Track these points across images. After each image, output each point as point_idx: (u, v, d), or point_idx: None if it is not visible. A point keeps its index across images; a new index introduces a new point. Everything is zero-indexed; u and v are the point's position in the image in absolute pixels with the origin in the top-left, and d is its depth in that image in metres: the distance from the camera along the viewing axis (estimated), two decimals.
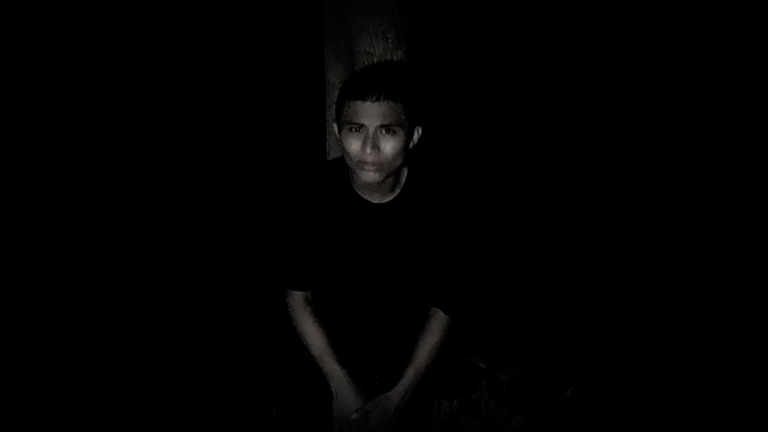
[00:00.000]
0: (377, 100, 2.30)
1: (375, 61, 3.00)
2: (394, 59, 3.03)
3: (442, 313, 2.53)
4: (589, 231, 4.03)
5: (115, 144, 4.12)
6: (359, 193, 2.47)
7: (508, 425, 2.34)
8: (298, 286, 2.58)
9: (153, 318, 3.44)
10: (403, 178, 2.48)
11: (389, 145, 2.32)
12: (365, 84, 2.34)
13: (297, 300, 2.58)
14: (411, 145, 2.41)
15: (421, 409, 2.42)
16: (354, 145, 2.33)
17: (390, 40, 3.01)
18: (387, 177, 2.39)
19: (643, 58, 4.24)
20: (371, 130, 2.31)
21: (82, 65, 4.05)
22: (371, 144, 2.30)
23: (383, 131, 2.31)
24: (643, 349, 3.36)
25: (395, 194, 2.46)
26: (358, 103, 2.31)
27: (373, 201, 2.46)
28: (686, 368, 3.23)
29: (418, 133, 2.43)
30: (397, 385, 2.47)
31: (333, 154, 3.24)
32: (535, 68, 4.24)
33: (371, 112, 2.30)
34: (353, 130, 2.33)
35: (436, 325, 2.53)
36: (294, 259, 2.55)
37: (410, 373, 2.47)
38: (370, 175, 2.34)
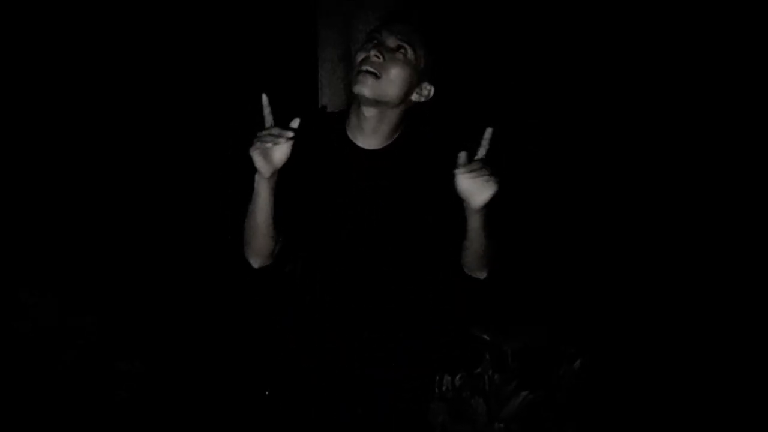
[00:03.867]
0: (402, 22, 2.31)
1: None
2: None
3: None
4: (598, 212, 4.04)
5: (119, 133, 4.16)
6: (352, 138, 2.41)
7: (514, 401, 2.29)
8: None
9: (154, 314, 3.43)
10: (401, 128, 2.35)
11: (394, 66, 2.24)
12: (395, 17, 2.41)
13: None
14: (416, 98, 2.31)
15: (423, 384, 2.35)
16: (362, 53, 2.26)
17: None
18: (378, 103, 2.26)
19: (643, 58, 4.26)
20: (385, 42, 2.25)
21: (104, 59, 4.15)
22: (378, 48, 2.23)
23: (395, 50, 2.23)
24: (656, 323, 3.33)
25: (392, 140, 2.36)
26: (383, 25, 2.32)
27: (366, 147, 2.41)
28: (701, 347, 3.20)
29: (427, 90, 2.32)
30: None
31: None
32: (535, 68, 4.26)
33: (392, 27, 2.27)
34: (368, 41, 2.28)
35: None
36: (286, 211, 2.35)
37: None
38: (364, 83, 2.22)
